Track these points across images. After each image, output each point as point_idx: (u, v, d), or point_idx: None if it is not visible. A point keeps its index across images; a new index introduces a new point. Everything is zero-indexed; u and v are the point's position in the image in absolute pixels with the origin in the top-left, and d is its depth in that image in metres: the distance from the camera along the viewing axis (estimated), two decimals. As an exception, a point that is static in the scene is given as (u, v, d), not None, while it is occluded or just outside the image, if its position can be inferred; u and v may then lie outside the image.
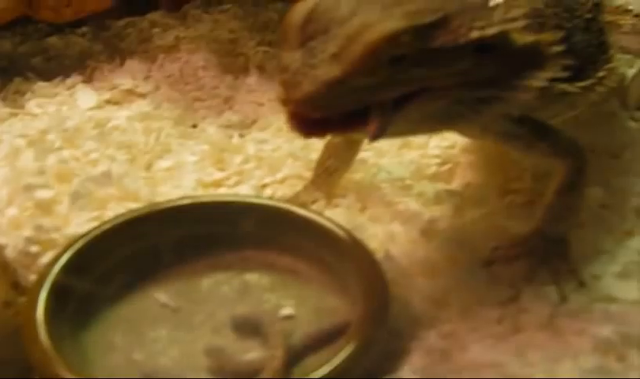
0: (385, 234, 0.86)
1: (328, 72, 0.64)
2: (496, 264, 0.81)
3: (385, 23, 0.66)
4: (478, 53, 0.70)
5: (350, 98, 0.66)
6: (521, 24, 0.73)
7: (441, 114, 0.73)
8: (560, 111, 0.86)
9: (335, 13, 0.67)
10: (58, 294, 0.73)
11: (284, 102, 0.66)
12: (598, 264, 0.82)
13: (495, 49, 0.71)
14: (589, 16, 0.93)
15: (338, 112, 0.67)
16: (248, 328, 0.74)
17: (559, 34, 0.77)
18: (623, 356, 0.70)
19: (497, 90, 0.73)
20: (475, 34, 0.69)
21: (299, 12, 0.68)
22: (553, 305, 0.76)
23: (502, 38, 0.71)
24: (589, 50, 0.90)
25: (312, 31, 0.67)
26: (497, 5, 0.73)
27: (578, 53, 0.84)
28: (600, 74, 0.90)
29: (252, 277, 0.81)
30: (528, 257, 0.81)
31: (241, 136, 1.09)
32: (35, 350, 0.68)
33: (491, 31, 0.70)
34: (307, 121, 0.66)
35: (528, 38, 0.73)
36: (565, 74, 0.76)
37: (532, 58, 0.73)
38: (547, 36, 0.75)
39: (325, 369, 0.66)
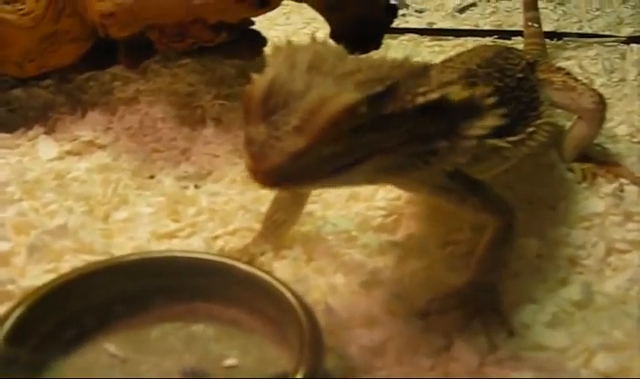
0: (328, 286, 0.90)
1: (293, 144, 0.69)
2: (432, 315, 0.85)
3: (342, 95, 0.70)
4: (422, 113, 0.75)
5: (314, 166, 0.70)
6: (457, 84, 0.78)
7: (393, 167, 0.77)
8: (493, 165, 0.91)
9: (292, 87, 0.71)
10: (13, 342, 0.76)
11: (253, 172, 0.70)
12: (529, 313, 0.86)
13: (437, 108, 0.76)
14: (520, 75, 0.98)
15: (303, 181, 0.72)
16: (195, 376, 0.78)
17: (490, 87, 0.82)
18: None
19: (442, 141, 0.77)
20: (420, 99, 0.75)
21: (258, 86, 0.72)
22: (482, 355, 0.80)
23: (442, 99, 0.76)
24: (519, 107, 0.96)
25: (273, 104, 0.71)
26: (434, 70, 0.79)
27: (509, 110, 0.89)
28: (530, 129, 0.95)
29: (198, 328, 0.83)
30: (462, 308, 0.85)
31: (196, 187, 1.13)
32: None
33: (432, 95, 0.76)
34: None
35: (464, 93, 0.78)
36: (500, 122, 0.80)
37: (470, 110, 0.78)
38: (480, 89, 0.80)
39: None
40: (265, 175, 0.70)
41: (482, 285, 0.87)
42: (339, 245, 0.98)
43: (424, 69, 0.79)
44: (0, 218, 1.01)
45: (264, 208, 1.01)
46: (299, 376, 0.73)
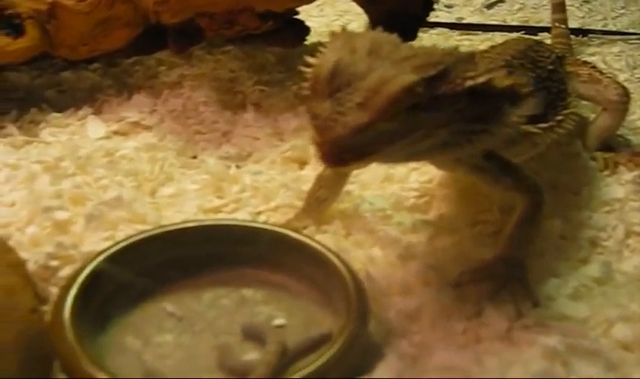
0: (366, 257, 0.96)
1: (356, 118, 0.76)
2: (463, 286, 0.91)
3: (401, 76, 0.77)
4: (470, 95, 0.82)
5: (374, 140, 0.77)
6: (501, 72, 0.86)
7: (439, 144, 0.84)
8: (524, 149, 0.97)
9: (354, 68, 0.78)
10: (81, 300, 0.83)
11: (318, 143, 0.77)
12: (553, 287, 0.92)
13: (482, 92, 0.83)
14: (550, 67, 1.05)
15: (363, 154, 0.78)
16: (253, 334, 0.84)
17: (527, 78, 0.89)
18: (567, 362, 0.79)
19: (484, 123, 0.85)
20: (469, 82, 0.82)
21: (324, 67, 0.79)
22: (510, 321, 0.86)
23: (488, 83, 0.83)
24: (549, 97, 1.02)
25: (337, 83, 0.78)
26: (479, 58, 0.86)
27: (541, 99, 0.96)
28: (559, 118, 1.02)
29: (248, 292, 0.90)
30: (491, 280, 0.91)
31: (238, 167, 1.19)
32: (63, 348, 0.78)
33: (480, 79, 0.83)
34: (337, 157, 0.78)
35: (507, 80, 0.85)
36: (536, 110, 0.88)
37: (511, 96, 0.86)
38: (520, 79, 0.87)
39: (309, 369, 0.76)
40: (329, 147, 0.76)
41: (510, 260, 0.92)
42: (375, 222, 1.04)
43: (471, 57, 0.86)
44: (57, 189, 1.06)
45: (305, 187, 1.07)
46: (346, 335, 0.79)
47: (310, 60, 0.82)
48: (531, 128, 0.93)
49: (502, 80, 0.84)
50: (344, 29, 0.86)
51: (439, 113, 0.81)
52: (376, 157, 0.80)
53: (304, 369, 0.76)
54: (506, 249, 0.93)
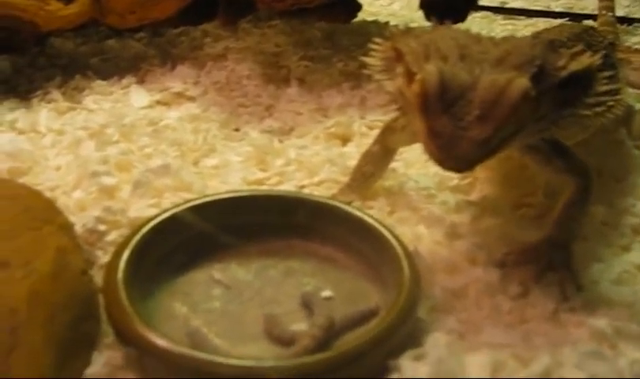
0: (412, 235, 0.96)
1: (481, 132, 0.77)
2: (508, 267, 0.91)
3: (516, 81, 0.78)
4: (561, 84, 0.84)
5: (498, 147, 0.79)
6: (583, 55, 0.87)
7: (536, 133, 0.87)
8: (575, 133, 0.97)
9: (460, 79, 0.79)
10: (133, 264, 0.83)
11: (442, 161, 0.78)
12: (597, 272, 0.92)
13: (571, 78, 0.84)
14: (603, 52, 1.04)
15: (486, 160, 0.80)
16: (309, 303, 0.84)
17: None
18: (615, 345, 0.80)
19: (573, 108, 0.87)
20: (563, 73, 0.84)
21: (431, 83, 0.79)
22: (556, 303, 0.86)
23: (585, 69, 0.85)
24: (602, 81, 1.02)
25: (450, 98, 0.78)
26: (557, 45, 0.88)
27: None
28: (610, 103, 1.01)
29: (295, 263, 0.91)
30: (537, 262, 0.91)
31: (280, 141, 1.19)
32: (115, 310, 0.79)
33: (572, 67, 0.84)
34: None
35: (586, 60, 0.86)
36: (607, 88, 0.89)
37: (588, 78, 0.87)
38: (595, 58, 0.88)
39: (359, 341, 0.76)
40: (459, 165, 0.78)
41: (557, 242, 0.92)
42: (419, 201, 1.04)
43: (552, 44, 0.87)
44: (103, 156, 1.08)
45: (349, 162, 1.08)
46: (397, 308, 0.79)
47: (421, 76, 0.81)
48: (585, 111, 0.93)
49: (583, 61, 0.85)
50: (408, 29, 0.87)
51: (541, 106, 0.82)
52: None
53: (353, 342, 0.77)
54: (553, 232, 0.93)
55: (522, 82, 0.78)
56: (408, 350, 0.77)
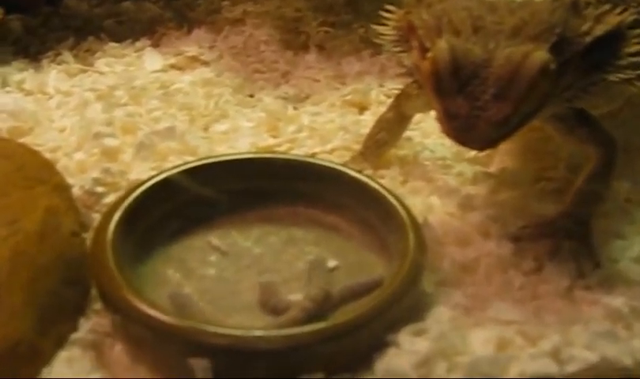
0: (424, 205, 0.92)
1: (499, 111, 0.73)
2: (523, 241, 0.86)
3: (533, 56, 0.74)
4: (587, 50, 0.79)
5: (518, 125, 0.75)
6: (610, 15, 0.81)
7: (562, 102, 0.82)
8: (601, 102, 0.92)
9: (474, 55, 0.75)
10: (124, 226, 0.80)
11: (463, 142, 0.76)
12: (617, 250, 0.87)
13: (597, 43, 0.79)
14: (637, 17, 0.98)
15: (507, 138, 0.77)
16: (317, 269, 0.81)
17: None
18: (631, 325, 0.75)
19: (602, 73, 0.81)
20: (587, 39, 0.79)
21: (443, 62, 0.75)
22: (571, 279, 0.81)
23: (613, 31, 0.80)
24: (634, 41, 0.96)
25: (464, 77, 0.75)
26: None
27: None
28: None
29: (298, 231, 0.87)
30: (553, 237, 0.86)
31: (295, 108, 1.15)
32: (101, 274, 0.75)
33: (597, 33, 0.79)
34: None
35: (614, 20, 0.81)
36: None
37: (618, 37, 0.81)
38: (625, 16, 0.82)
39: (354, 313, 0.72)
40: (478, 145, 0.76)
41: (576, 216, 0.88)
42: (434, 171, 1.00)
43: (574, 6, 0.80)
44: (108, 117, 1.05)
45: (364, 131, 1.03)
46: (399, 280, 0.75)
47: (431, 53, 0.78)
48: (612, 76, 0.88)
49: (610, 22, 0.81)
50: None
51: (566, 76, 0.78)
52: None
53: (351, 312, 0.73)
54: (573, 205, 0.89)
55: (540, 55, 0.74)
56: (408, 325, 0.73)
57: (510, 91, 0.73)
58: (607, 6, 0.82)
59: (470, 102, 0.74)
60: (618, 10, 0.82)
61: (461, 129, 0.74)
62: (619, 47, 0.81)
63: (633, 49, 0.82)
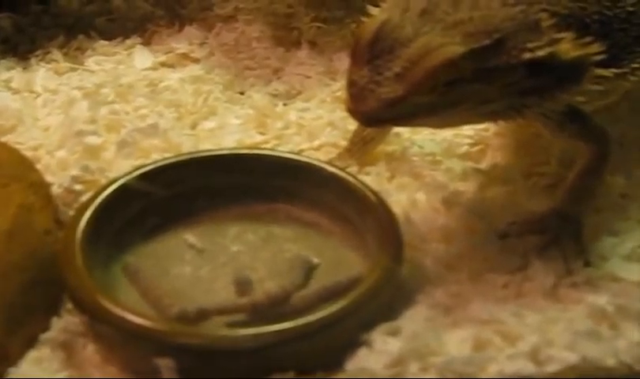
0: (409, 201, 0.89)
1: (391, 91, 0.72)
2: (511, 237, 0.84)
3: (445, 48, 0.72)
4: (528, 68, 0.76)
5: (408, 113, 0.74)
6: (568, 42, 0.78)
7: (485, 114, 0.80)
8: (594, 97, 0.89)
9: (400, 33, 0.74)
10: (96, 225, 0.78)
11: (351, 112, 0.74)
12: (608, 247, 0.85)
13: (543, 65, 0.76)
14: (631, 8, 0.96)
15: (396, 124, 0.78)
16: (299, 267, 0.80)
17: (603, 46, 0.82)
18: (616, 325, 0.73)
19: (540, 99, 0.79)
20: (527, 55, 0.76)
21: (368, 30, 0.75)
22: (558, 277, 0.79)
23: (551, 57, 0.77)
24: (626, 40, 0.93)
25: (379, 50, 0.74)
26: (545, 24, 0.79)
27: (616, 41, 0.87)
28: (635, 65, 0.93)
29: (277, 228, 0.85)
30: (542, 234, 0.84)
31: (285, 105, 1.13)
32: (70, 274, 0.73)
33: (541, 52, 0.76)
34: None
35: (574, 53, 0.78)
36: (601, 57, 0.80)
37: (577, 69, 0.79)
38: (592, 49, 0.80)
39: (327, 312, 0.71)
40: (361, 117, 0.74)
41: (567, 213, 0.86)
42: (423, 167, 0.97)
43: (537, 23, 0.78)
44: (93, 115, 1.02)
45: (352, 126, 1.00)
46: (373, 277, 0.74)
47: (365, 20, 0.78)
48: (604, 71, 0.85)
49: (567, 51, 0.78)
50: None
51: (489, 86, 0.75)
52: (412, 125, 0.79)
53: (322, 310, 0.71)
54: (564, 201, 0.86)
55: (451, 50, 0.72)
56: (382, 324, 0.71)
57: (409, 75, 0.72)
58: (571, 35, 0.80)
59: (372, 74, 0.73)
60: (586, 41, 0.80)
61: (353, 97, 0.73)
62: (576, 79, 0.80)
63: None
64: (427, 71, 0.71)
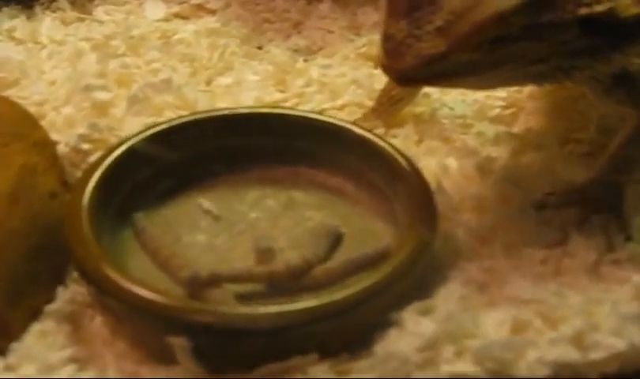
0: (439, 167, 0.85)
1: (432, 46, 0.65)
2: (547, 209, 0.79)
3: (494, 0, 0.66)
4: (582, 25, 0.70)
5: (449, 71, 0.67)
6: None
7: (531, 75, 0.73)
8: None
9: None
10: (105, 188, 0.74)
11: (385, 69, 0.68)
12: (651, 221, 0.80)
13: (599, 22, 0.70)
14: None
15: (435, 84, 0.71)
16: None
17: None
18: (664, 308, 0.68)
19: (593, 60, 0.73)
20: (583, 11, 0.69)
21: None
22: (599, 253, 0.74)
23: (609, 13, 0.70)
24: None
25: (418, 0, 0.67)
26: None
27: None
28: None
29: (299, 194, 0.80)
30: (581, 205, 0.80)
31: (305, 61, 1.08)
32: (76, 243, 0.68)
33: (599, 8, 0.70)
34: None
35: (635, 9, 0.72)
36: None
37: (635, 27, 0.73)
38: None
39: (355, 288, 0.65)
40: (397, 75, 0.67)
41: (608, 184, 0.81)
42: (452, 130, 0.93)
43: None
44: (102, 69, 0.98)
45: (378, 85, 0.96)
46: (406, 250, 0.69)
47: None
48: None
49: (627, 7, 0.71)
50: None
51: (538, 45, 0.69)
52: (450, 85, 0.73)
53: (351, 286, 0.66)
54: (605, 171, 0.81)
55: (502, 3, 0.65)
56: (414, 302, 0.66)
57: (452, 30, 0.65)
58: None
59: (411, 27, 0.67)
60: None
61: (389, 53, 0.67)
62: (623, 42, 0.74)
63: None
64: (474, 26, 0.65)
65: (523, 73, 0.71)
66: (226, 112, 0.85)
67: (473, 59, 0.66)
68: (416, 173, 0.76)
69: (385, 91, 0.93)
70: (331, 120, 0.85)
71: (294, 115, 0.86)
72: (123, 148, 0.77)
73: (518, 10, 0.66)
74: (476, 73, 0.68)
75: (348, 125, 0.83)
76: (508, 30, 0.66)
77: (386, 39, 0.67)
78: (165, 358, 0.63)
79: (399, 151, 0.79)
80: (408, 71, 0.66)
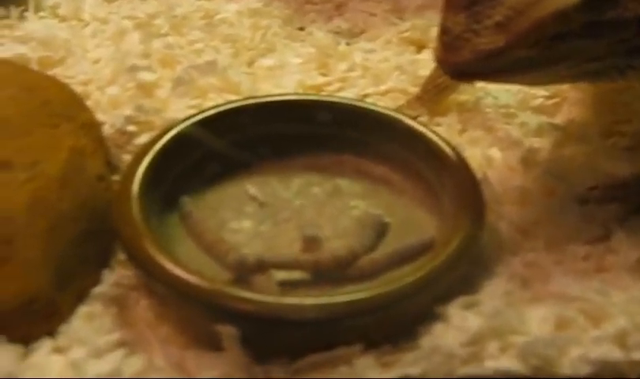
0: (483, 158, 0.85)
1: (490, 42, 0.65)
2: (591, 204, 0.79)
3: None
4: None
5: (506, 68, 0.67)
6: None
7: (586, 74, 0.73)
8: None
9: None
10: (154, 173, 0.74)
11: (441, 63, 0.67)
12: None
13: None
14: None
15: (491, 79, 0.70)
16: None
17: None
18: None
19: None
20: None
21: None
22: (643, 251, 0.74)
23: None
24: None
25: None
26: None
27: None
28: None
29: (344, 182, 0.80)
30: (625, 201, 0.79)
31: (347, 44, 1.08)
32: (125, 226, 0.69)
33: None
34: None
35: None
36: None
37: None
38: None
39: (403, 282, 0.65)
40: (453, 69, 0.67)
41: (651, 180, 0.80)
42: (496, 120, 0.92)
43: None
44: (146, 49, 0.98)
45: (422, 71, 0.96)
46: (453, 242, 0.68)
47: None
48: None
49: None
50: None
51: (597, 42, 0.68)
52: (505, 81, 0.72)
53: (398, 280, 0.66)
54: None
55: (559, 2, 0.65)
56: (459, 296, 0.67)
57: (511, 25, 0.65)
58: None
59: (469, 21, 0.66)
60: None
61: (446, 46, 0.67)
62: None
63: None
64: (535, 22, 0.65)
65: (578, 70, 0.71)
66: (273, 99, 0.85)
67: (530, 56, 0.66)
68: (463, 164, 0.76)
69: (431, 79, 0.93)
70: (377, 108, 0.84)
71: (340, 102, 0.85)
72: (173, 132, 0.77)
73: (580, 8, 0.65)
74: (532, 69, 0.67)
75: (395, 114, 0.83)
76: (568, 27, 0.66)
77: (444, 32, 0.67)
78: (210, 343, 0.64)
79: (446, 142, 0.78)
80: (464, 66, 0.66)
